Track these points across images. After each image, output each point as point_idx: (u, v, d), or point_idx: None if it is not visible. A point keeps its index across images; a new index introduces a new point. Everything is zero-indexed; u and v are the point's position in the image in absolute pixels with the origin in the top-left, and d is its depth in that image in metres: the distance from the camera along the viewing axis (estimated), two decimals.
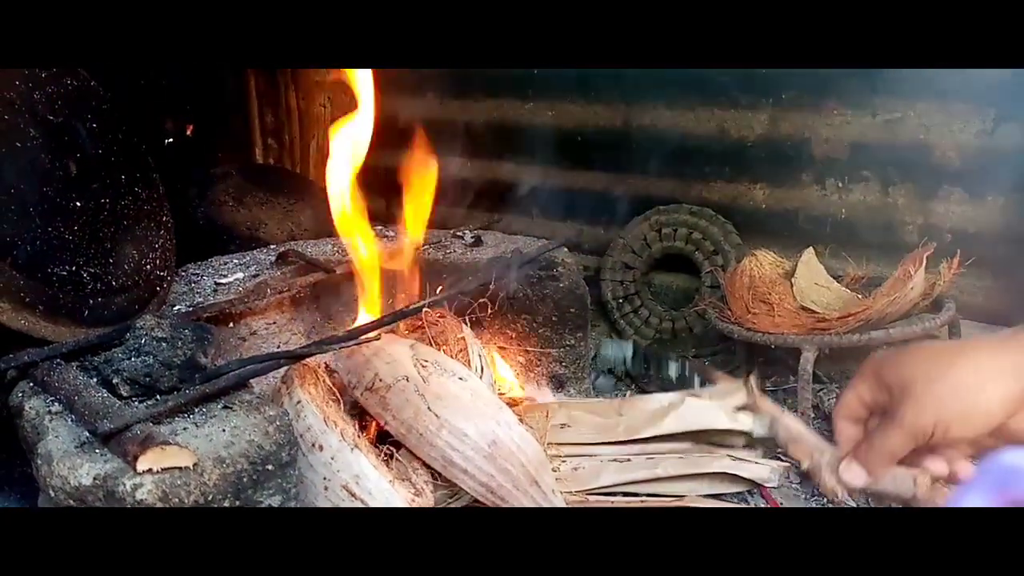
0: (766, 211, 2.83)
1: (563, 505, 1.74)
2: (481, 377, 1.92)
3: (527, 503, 1.68)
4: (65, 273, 1.64)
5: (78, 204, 1.71)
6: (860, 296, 2.36)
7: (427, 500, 1.63)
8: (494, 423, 1.73)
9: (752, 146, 2.80)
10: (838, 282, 2.47)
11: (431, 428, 1.67)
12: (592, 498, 1.91)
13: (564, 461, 2.00)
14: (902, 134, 2.55)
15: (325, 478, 1.59)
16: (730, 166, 2.86)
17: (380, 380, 1.74)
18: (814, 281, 2.46)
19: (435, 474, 1.73)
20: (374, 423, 1.85)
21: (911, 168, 2.56)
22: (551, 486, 1.74)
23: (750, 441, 2.22)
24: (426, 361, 1.78)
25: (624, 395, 2.56)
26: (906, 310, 2.14)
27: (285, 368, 1.68)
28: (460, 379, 1.78)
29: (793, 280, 2.44)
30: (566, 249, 2.39)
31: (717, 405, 2.10)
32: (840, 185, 2.68)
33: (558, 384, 2.33)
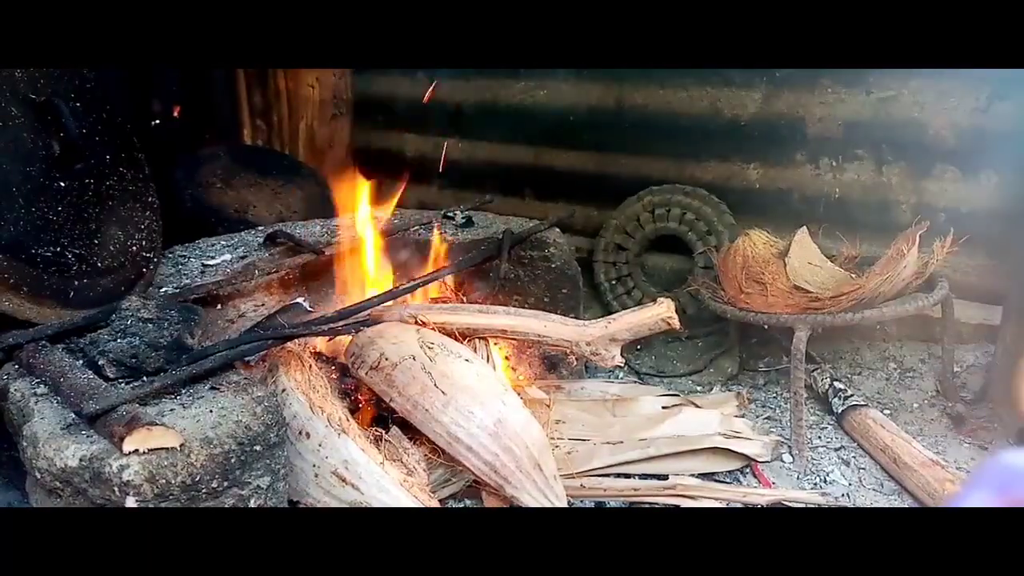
0: (760, 191, 2.81)
1: (562, 491, 1.74)
2: (488, 361, 1.92)
3: (528, 485, 1.68)
4: (50, 254, 1.62)
5: (62, 184, 1.69)
6: (854, 275, 2.35)
7: (420, 479, 1.62)
8: (500, 403, 1.73)
9: (745, 125, 2.78)
10: (832, 262, 2.46)
11: (437, 405, 1.66)
12: (587, 480, 1.91)
13: (558, 446, 2.00)
14: (896, 112, 2.53)
15: (315, 465, 1.57)
16: (723, 145, 2.84)
17: (386, 359, 1.73)
18: (808, 261, 2.44)
19: (433, 453, 1.72)
20: (365, 405, 1.85)
21: (905, 147, 2.54)
22: (552, 471, 1.74)
23: (741, 415, 2.24)
24: (432, 343, 1.78)
25: (618, 378, 2.56)
26: (899, 289, 2.13)
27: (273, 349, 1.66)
28: (466, 360, 1.78)
29: (787, 260, 2.42)
30: (558, 229, 2.36)
31: (714, 414, 2.11)
32: (834, 164, 2.67)
33: (550, 365, 2.32)
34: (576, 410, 2.15)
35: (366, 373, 1.75)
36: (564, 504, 1.72)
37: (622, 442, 2.04)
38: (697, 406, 2.19)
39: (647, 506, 1.83)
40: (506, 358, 2.15)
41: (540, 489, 1.70)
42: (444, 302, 2.07)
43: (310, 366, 1.74)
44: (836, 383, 2.34)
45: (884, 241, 2.33)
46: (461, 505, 1.79)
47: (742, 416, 2.21)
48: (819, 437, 2.19)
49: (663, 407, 2.19)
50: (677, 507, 1.82)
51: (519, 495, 1.67)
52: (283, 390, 1.60)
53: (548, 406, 2.07)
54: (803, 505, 1.84)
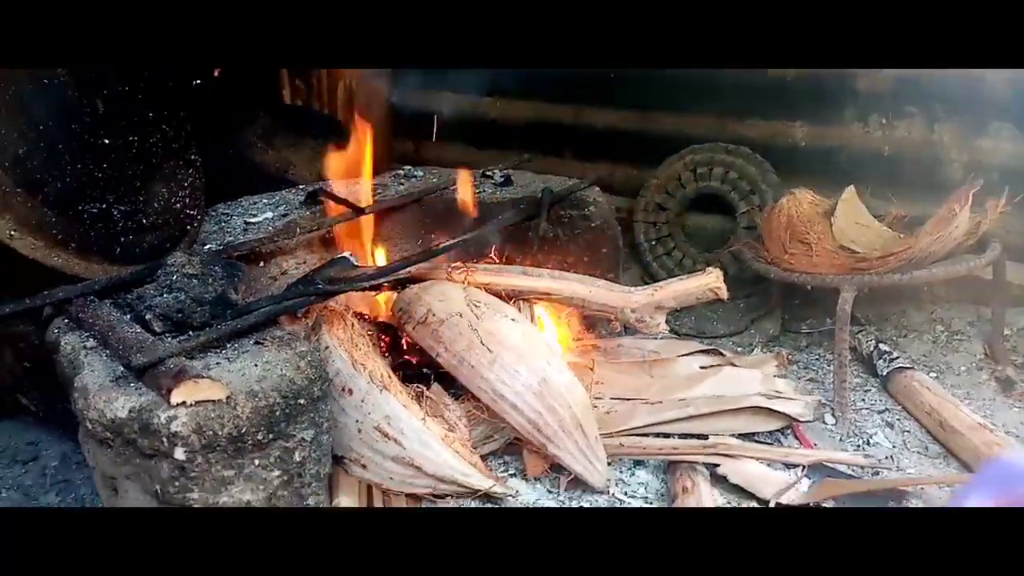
0: (805, 149, 2.74)
1: (603, 453, 1.74)
2: (532, 321, 1.92)
3: (570, 446, 1.68)
4: (96, 211, 1.64)
5: (107, 142, 1.70)
6: (902, 235, 2.30)
7: (461, 434, 1.64)
8: (545, 363, 1.73)
9: (791, 81, 2.70)
10: (879, 221, 2.40)
11: (483, 362, 1.67)
12: (625, 439, 1.90)
13: (596, 405, 1.99)
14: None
15: (357, 420, 1.60)
16: (768, 103, 2.76)
17: (433, 315, 1.74)
18: (854, 220, 2.39)
19: (476, 410, 1.73)
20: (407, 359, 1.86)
21: (958, 103, 2.46)
22: (594, 434, 1.74)
23: (782, 375, 2.21)
24: (479, 301, 1.78)
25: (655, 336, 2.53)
26: (950, 249, 2.07)
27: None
28: (512, 320, 1.78)
29: (832, 219, 2.37)
30: (598, 188, 2.33)
31: (755, 374, 2.08)
32: (884, 122, 2.59)
33: (588, 324, 2.31)
34: (614, 371, 2.15)
35: (413, 328, 1.76)
36: (604, 467, 1.72)
37: (661, 402, 2.03)
38: (736, 365, 2.16)
39: (687, 464, 1.81)
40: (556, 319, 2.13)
41: (581, 450, 1.70)
42: (487, 263, 2.06)
43: (352, 324, 1.75)
44: (881, 345, 2.29)
45: (934, 201, 2.27)
46: (502, 462, 1.80)
47: (783, 376, 2.18)
48: (863, 399, 2.16)
49: (701, 367, 2.17)
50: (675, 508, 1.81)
51: (561, 455, 1.68)
52: (326, 347, 1.62)
53: (591, 369, 2.07)
54: (845, 467, 1.81)
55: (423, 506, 1.62)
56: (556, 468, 1.74)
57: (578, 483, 1.71)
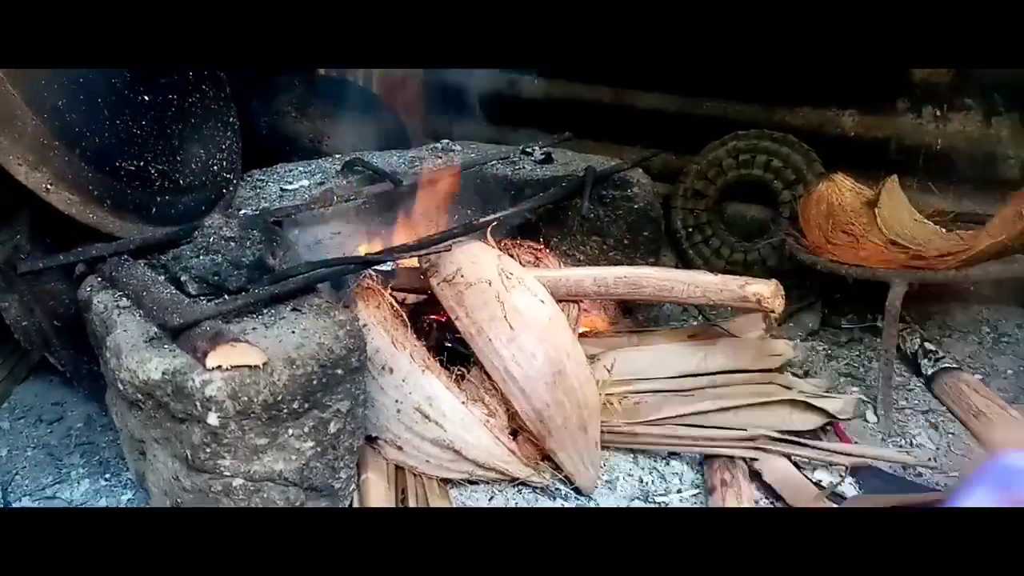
0: (855, 139, 2.66)
1: (599, 458, 1.69)
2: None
3: (568, 444, 1.63)
4: (133, 168, 1.61)
5: (146, 99, 1.66)
6: (945, 230, 2.21)
7: (501, 420, 1.58)
8: (564, 354, 1.67)
9: (844, 69, 2.62)
10: (920, 214, 2.31)
11: (502, 337, 1.61)
12: (659, 428, 1.84)
13: (626, 396, 1.93)
14: None
15: (397, 400, 1.55)
16: (817, 90, 2.68)
17: (462, 276, 1.68)
18: (898, 212, 2.30)
19: (476, 380, 1.68)
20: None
21: (1020, 96, 2.36)
22: (596, 437, 1.69)
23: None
24: (511, 274, 1.71)
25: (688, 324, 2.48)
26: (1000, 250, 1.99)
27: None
28: (540, 301, 1.71)
29: (877, 211, 2.29)
30: (641, 170, 2.27)
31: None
32: (938, 114, 2.50)
33: (625, 310, 2.25)
34: (643, 357, 2.07)
35: (438, 284, 1.70)
36: (596, 471, 1.67)
37: (692, 393, 1.96)
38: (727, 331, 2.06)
39: (724, 457, 1.76)
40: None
41: (579, 451, 1.65)
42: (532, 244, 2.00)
43: (391, 304, 1.69)
44: (927, 344, 2.22)
45: (985, 199, 2.19)
46: None
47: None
48: (905, 399, 2.09)
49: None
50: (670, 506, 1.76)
51: (557, 451, 1.63)
52: (364, 325, 1.56)
53: (608, 370, 1.98)
54: (888, 466, 1.75)
55: (451, 506, 1.57)
56: (546, 459, 1.67)
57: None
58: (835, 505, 1.63)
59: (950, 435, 1.94)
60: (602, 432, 1.73)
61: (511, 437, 1.60)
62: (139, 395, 1.26)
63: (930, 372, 2.11)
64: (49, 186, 1.45)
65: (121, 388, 1.29)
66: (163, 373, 1.21)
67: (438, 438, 1.51)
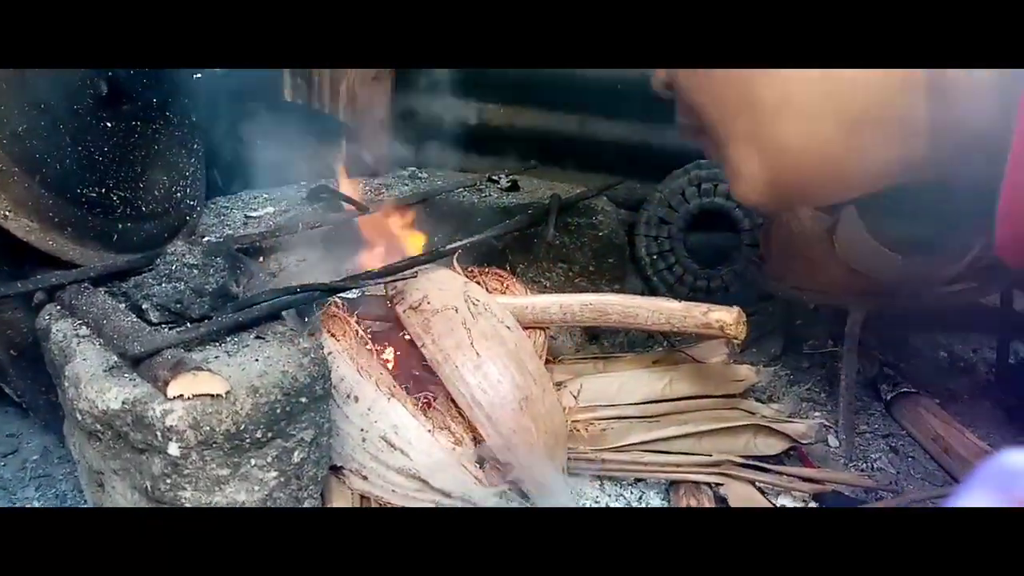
0: None
1: (565, 488, 1.68)
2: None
3: (536, 473, 1.61)
4: (95, 195, 1.59)
5: (108, 125, 1.65)
6: (900, 258, 2.26)
7: (467, 448, 1.58)
8: (531, 381, 1.67)
9: None
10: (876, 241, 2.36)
11: (469, 365, 1.60)
12: (623, 455, 1.85)
13: (592, 423, 1.94)
14: None
15: (362, 429, 1.53)
16: None
17: (428, 302, 1.67)
18: (856, 239, 2.35)
19: (441, 407, 1.66)
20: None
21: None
22: (562, 465, 1.69)
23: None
24: (477, 300, 1.71)
25: (654, 349, 2.50)
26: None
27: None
28: (508, 328, 1.72)
29: (835, 238, 2.33)
30: (606, 197, 2.30)
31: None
32: None
33: (591, 336, 2.27)
34: (610, 383, 2.09)
35: (404, 311, 1.70)
36: (563, 497, 1.65)
37: (658, 420, 1.98)
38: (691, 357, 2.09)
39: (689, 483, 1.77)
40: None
41: (544, 479, 1.63)
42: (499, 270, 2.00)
43: (356, 331, 1.69)
44: (885, 369, 2.26)
45: (944, 226, 2.23)
46: None
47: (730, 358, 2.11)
48: (867, 423, 2.12)
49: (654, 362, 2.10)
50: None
51: (522, 478, 1.61)
52: (329, 352, 1.55)
53: (574, 396, 1.99)
54: (851, 491, 1.78)
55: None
56: (512, 486, 1.65)
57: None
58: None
59: (910, 458, 1.97)
60: (569, 459, 1.74)
61: (478, 466, 1.59)
62: (98, 425, 1.24)
63: (889, 397, 2.15)
64: (8, 213, 1.43)
65: (80, 418, 1.27)
66: (123, 403, 1.19)
67: (404, 467, 1.50)
